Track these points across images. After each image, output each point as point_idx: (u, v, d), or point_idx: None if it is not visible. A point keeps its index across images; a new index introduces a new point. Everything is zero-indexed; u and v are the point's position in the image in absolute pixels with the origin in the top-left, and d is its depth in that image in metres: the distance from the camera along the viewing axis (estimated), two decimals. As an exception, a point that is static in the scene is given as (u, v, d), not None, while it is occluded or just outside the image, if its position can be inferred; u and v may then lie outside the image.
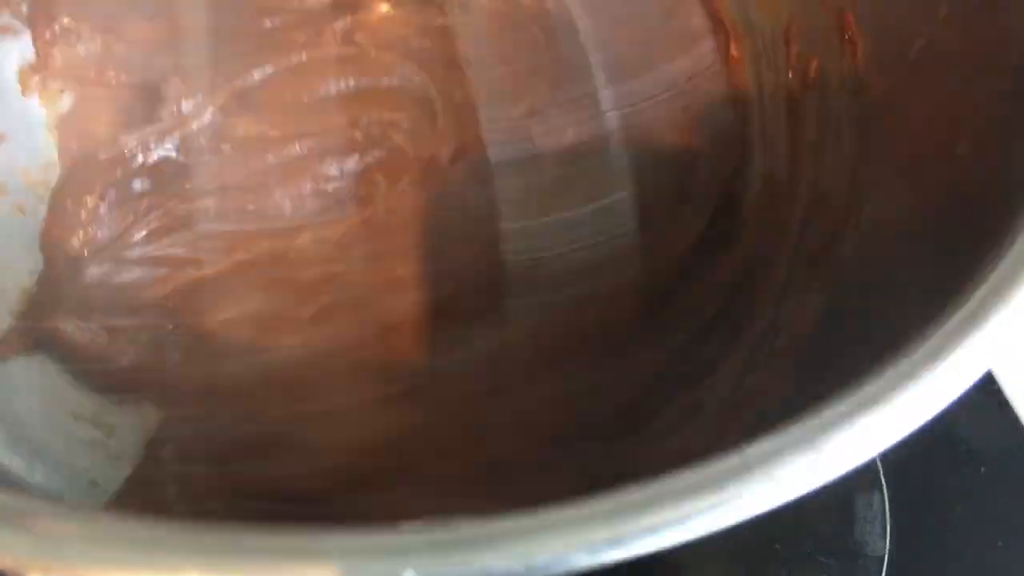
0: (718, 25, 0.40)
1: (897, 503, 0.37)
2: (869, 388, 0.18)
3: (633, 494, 0.17)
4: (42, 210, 0.37)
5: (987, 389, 0.40)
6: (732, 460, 0.17)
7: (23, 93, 0.38)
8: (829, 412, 0.18)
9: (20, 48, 0.38)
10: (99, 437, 0.32)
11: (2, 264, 0.35)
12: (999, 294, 0.20)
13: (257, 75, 0.40)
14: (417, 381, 0.35)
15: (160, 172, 0.38)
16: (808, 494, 0.17)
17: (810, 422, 0.18)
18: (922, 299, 0.21)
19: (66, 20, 0.38)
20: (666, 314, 0.35)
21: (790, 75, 0.36)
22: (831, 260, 0.30)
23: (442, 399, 0.34)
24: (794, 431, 0.17)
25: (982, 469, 0.39)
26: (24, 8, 0.38)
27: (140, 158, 0.38)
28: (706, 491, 0.17)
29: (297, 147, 0.39)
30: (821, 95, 0.34)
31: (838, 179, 0.32)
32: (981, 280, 0.20)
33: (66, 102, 0.38)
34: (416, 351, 0.36)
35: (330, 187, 0.39)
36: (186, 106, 0.39)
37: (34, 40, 0.38)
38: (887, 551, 0.36)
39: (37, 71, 0.38)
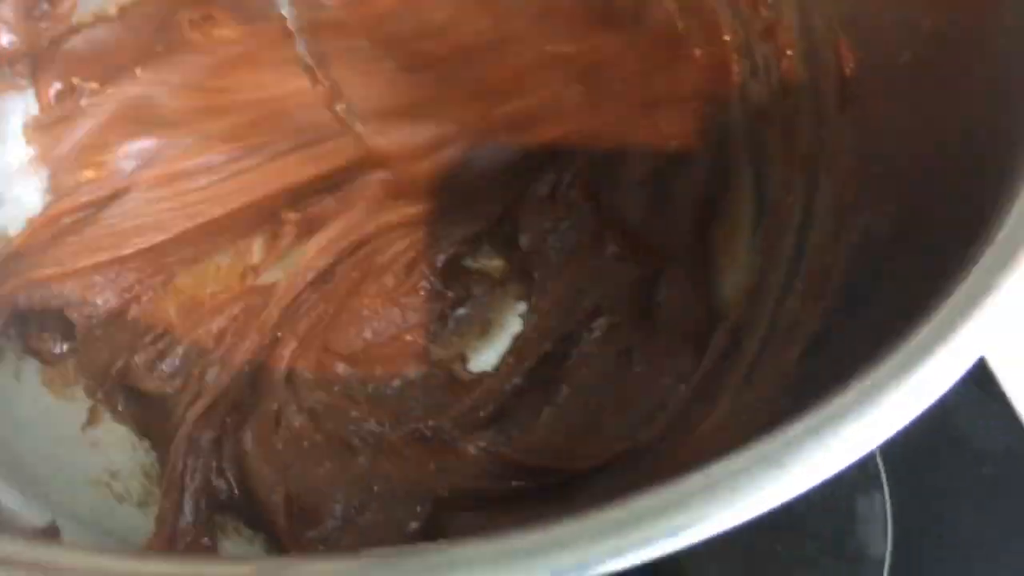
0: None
1: (898, 504, 0.37)
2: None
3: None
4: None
5: (989, 390, 0.40)
6: (696, 479, 0.18)
7: (27, 144, 0.39)
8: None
9: (24, 104, 0.39)
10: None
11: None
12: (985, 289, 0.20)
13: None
14: None
15: None
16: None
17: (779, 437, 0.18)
18: (909, 301, 0.21)
19: (73, 79, 0.39)
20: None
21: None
22: (826, 271, 0.31)
23: None
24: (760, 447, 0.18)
25: (984, 470, 0.39)
26: (28, 67, 0.39)
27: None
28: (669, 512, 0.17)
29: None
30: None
31: (835, 189, 0.32)
32: (964, 278, 0.20)
33: (65, 144, 0.38)
34: None
35: None
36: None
37: (38, 96, 0.39)
38: (888, 552, 0.36)
39: (41, 125, 0.39)
